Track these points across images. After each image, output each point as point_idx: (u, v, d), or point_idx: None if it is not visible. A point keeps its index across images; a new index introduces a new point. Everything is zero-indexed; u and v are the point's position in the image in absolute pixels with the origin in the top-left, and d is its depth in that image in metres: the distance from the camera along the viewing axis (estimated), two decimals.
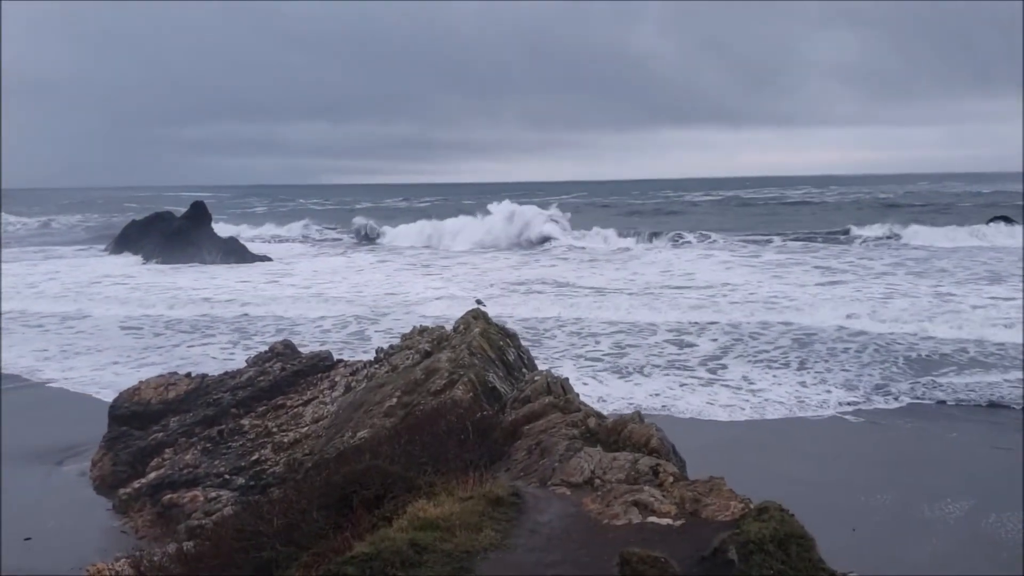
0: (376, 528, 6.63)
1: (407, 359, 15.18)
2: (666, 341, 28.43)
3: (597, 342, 28.79)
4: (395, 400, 13.30)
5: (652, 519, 7.34)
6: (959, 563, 12.56)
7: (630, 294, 39.21)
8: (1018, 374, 22.84)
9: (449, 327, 16.28)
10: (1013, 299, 34.41)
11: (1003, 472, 16.17)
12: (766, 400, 21.04)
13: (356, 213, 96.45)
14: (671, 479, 8.16)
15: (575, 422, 9.73)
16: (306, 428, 15.32)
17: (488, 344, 14.57)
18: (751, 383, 22.66)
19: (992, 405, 20.39)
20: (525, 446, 9.42)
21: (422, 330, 16.38)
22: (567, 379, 11.86)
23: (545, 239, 66.49)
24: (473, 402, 12.13)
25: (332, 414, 15.08)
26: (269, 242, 76.55)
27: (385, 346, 17.46)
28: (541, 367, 23.92)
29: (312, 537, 7.53)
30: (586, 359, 26.26)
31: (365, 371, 16.08)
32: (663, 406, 20.54)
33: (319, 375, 17.09)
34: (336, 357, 18.33)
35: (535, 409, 10.44)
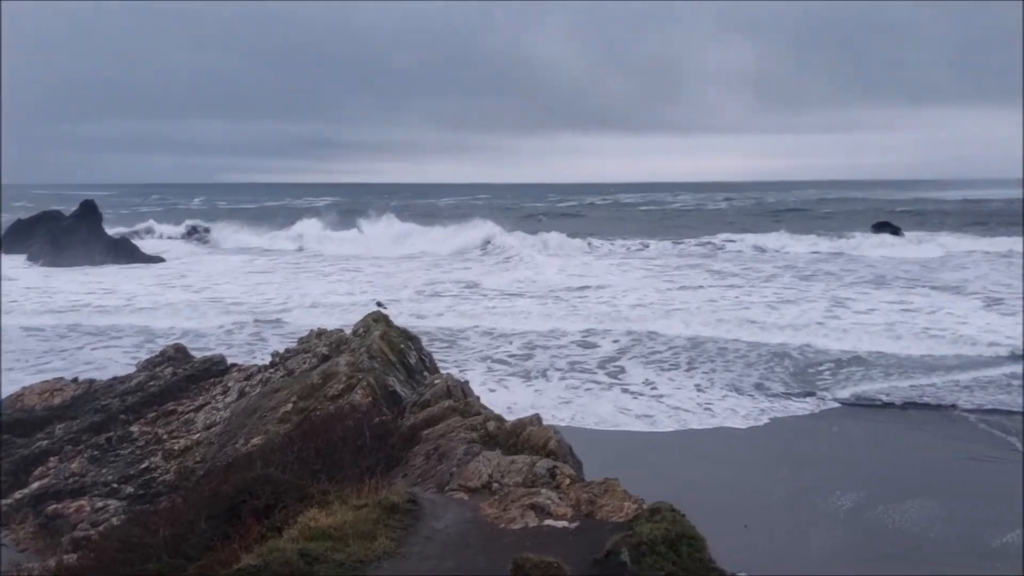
0: (265, 539, 6.44)
1: (304, 363, 14.88)
2: (573, 343, 28.74)
3: (510, 342, 29.09)
4: (291, 406, 13.01)
5: (548, 522, 7.36)
6: (847, 553, 13.04)
7: (534, 297, 39.50)
8: (896, 377, 23.90)
9: (349, 330, 16.04)
10: (899, 303, 36.06)
11: (890, 467, 16.91)
12: (669, 407, 21.16)
13: (241, 213, 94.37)
14: (568, 481, 8.20)
15: (474, 426, 9.69)
16: (198, 435, 14.85)
17: (389, 347, 14.40)
18: (653, 387, 22.92)
19: (874, 405, 21.24)
20: (423, 451, 9.33)
21: (320, 333, 16.08)
22: (467, 382, 11.81)
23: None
24: (372, 407, 11.96)
25: (225, 420, 14.66)
26: (160, 238, 74.23)
27: (282, 350, 17.09)
28: (450, 371, 23.85)
29: (200, 548, 7.29)
30: (493, 360, 26.34)
31: (260, 376, 15.70)
32: (572, 416, 20.34)
33: (212, 380, 16.61)
34: (231, 361, 17.86)
35: (435, 413, 10.36)
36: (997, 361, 25.20)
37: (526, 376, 24.30)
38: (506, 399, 21.30)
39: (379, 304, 15.60)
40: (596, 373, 24.66)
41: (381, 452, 9.19)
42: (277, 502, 7.21)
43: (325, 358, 14.63)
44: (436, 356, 26.30)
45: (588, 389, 22.86)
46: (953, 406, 20.79)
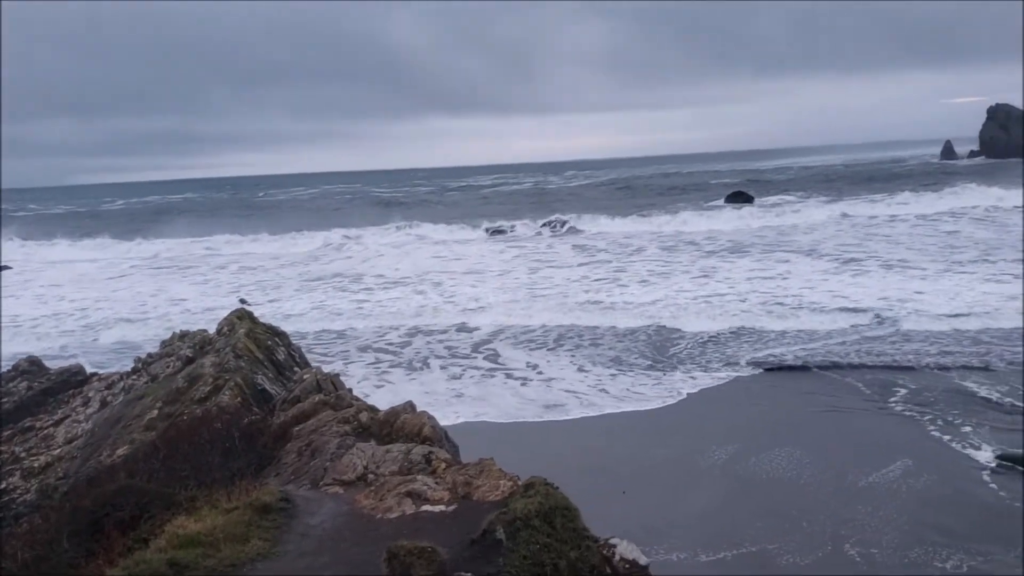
0: (132, 551, 6.20)
1: (168, 367, 14.34)
2: (452, 327, 29.01)
3: (395, 328, 29.37)
4: (156, 412, 12.53)
5: (426, 507, 7.37)
6: (722, 504, 13.66)
7: (409, 284, 39.45)
8: (773, 344, 25.04)
9: (213, 330, 15.55)
10: (758, 270, 37.79)
11: (760, 422, 17.76)
12: (567, 392, 20.95)
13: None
14: (444, 465, 8.23)
15: (347, 418, 9.59)
16: (59, 450, 14.13)
17: (255, 345, 14.04)
18: (539, 371, 22.91)
19: (738, 365, 22.16)
20: (296, 448, 9.17)
21: (183, 335, 15.51)
22: (338, 375, 11.67)
23: None
24: (241, 407, 11.66)
25: (87, 432, 14.00)
26: None
27: (143, 355, 16.42)
28: (335, 364, 23.35)
29: (63, 568, 6.96)
30: (375, 350, 26.20)
31: (122, 383, 15.05)
32: (476, 413, 19.68)
33: (71, 391, 15.80)
34: (91, 371, 17.07)
35: (305, 409, 10.19)
36: (853, 321, 26.70)
37: (409, 367, 24.07)
38: (391, 399, 20.77)
39: (243, 301, 15.17)
40: (474, 358, 24.78)
41: (252, 452, 8.99)
42: (142, 512, 6.96)
43: (190, 360, 14.16)
44: (319, 349, 25.96)
45: (472, 378, 22.67)
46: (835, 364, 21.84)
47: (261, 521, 6.64)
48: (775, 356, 22.96)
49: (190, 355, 14.25)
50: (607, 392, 20.82)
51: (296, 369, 14.43)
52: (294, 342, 16.53)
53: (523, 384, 21.89)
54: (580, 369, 22.90)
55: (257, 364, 13.29)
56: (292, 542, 6.43)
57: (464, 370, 23.46)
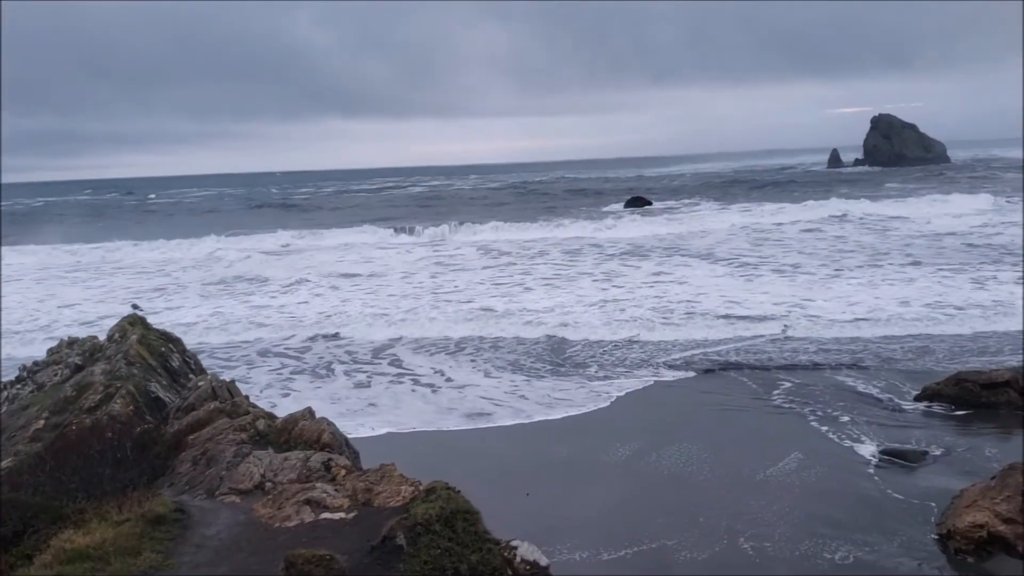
0: (15, 568, 5.96)
1: (55, 375, 13.78)
2: (357, 333, 28.60)
3: (296, 333, 28.93)
4: (42, 422, 12.02)
5: (325, 515, 7.32)
6: (625, 503, 13.89)
7: (310, 287, 38.91)
8: (679, 349, 25.57)
9: (103, 336, 15.01)
10: (658, 273, 38.57)
11: (666, 423, 18.14)
12: (478, 397, 20.64)
13: None
14: (344, 472, 8.19)
15: (243, 426, 9.42)
16: None
17: (148, 351, 13.62)
18: (448, 379, 22.51)
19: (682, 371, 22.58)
20: (190, 457, 8.96)
21: (71, 342, 14.93)
22: (234, 382, 11.43)
23: None
24: (134, 416, 11.30)
25: None
26: None
27: (29, 363, 15.72)
28: (239, 369, 22.62)
29: None
30: (275, 355, 25.70)
31: (6, 393, 14.39)
32: (395, 425, 18.80)
33: None
34: None
35: (200, 417, 9.97)
36: (748, 324, 27.54)
37: (314, 374, 23.52)
38: (299, 408, 20.00)
39: (135, 307, 14.75)
40: (378, 364, 24.53)
41: (145, 463, 8.74)
42: (27, 527, 6.68)
43: (79, 368, 13.63)
44: (220, 355, 25.30)
45: (381, 384, 22.17)
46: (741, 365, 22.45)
47: (154, 533, 6.48)
48: (679, 359, 23.49)
49: (79, 363, 13.73)
50: (526, 398, 20.61)
51: (191, 376, 14.06)
52: (193, 348, 16.12)
53: (433, 391, 21.51)
54: (487, 375, 22.73)
55: (150, 371, 12.89)
56: (187, 554, 6.30)
57: (370, 376, 23.10)
